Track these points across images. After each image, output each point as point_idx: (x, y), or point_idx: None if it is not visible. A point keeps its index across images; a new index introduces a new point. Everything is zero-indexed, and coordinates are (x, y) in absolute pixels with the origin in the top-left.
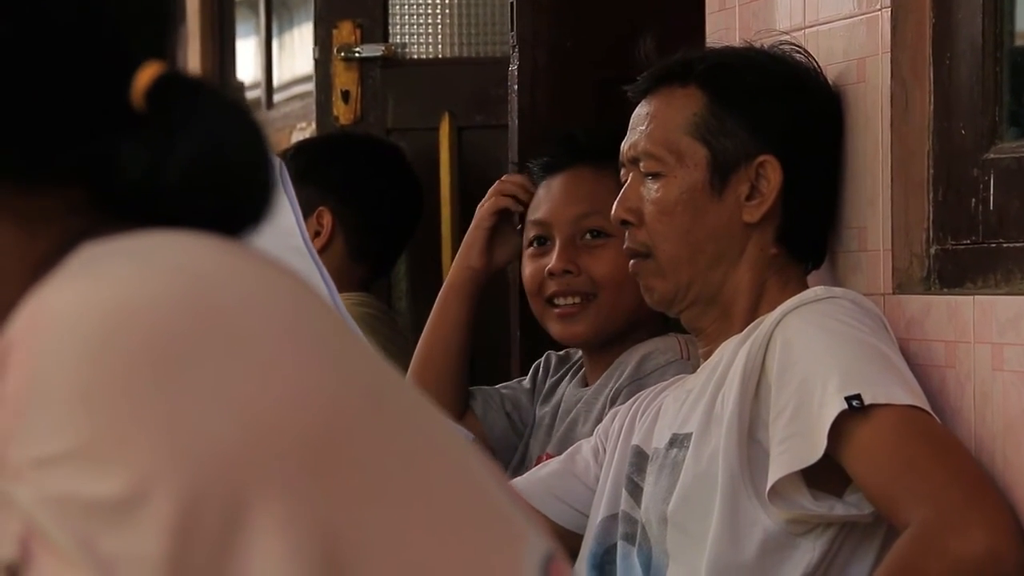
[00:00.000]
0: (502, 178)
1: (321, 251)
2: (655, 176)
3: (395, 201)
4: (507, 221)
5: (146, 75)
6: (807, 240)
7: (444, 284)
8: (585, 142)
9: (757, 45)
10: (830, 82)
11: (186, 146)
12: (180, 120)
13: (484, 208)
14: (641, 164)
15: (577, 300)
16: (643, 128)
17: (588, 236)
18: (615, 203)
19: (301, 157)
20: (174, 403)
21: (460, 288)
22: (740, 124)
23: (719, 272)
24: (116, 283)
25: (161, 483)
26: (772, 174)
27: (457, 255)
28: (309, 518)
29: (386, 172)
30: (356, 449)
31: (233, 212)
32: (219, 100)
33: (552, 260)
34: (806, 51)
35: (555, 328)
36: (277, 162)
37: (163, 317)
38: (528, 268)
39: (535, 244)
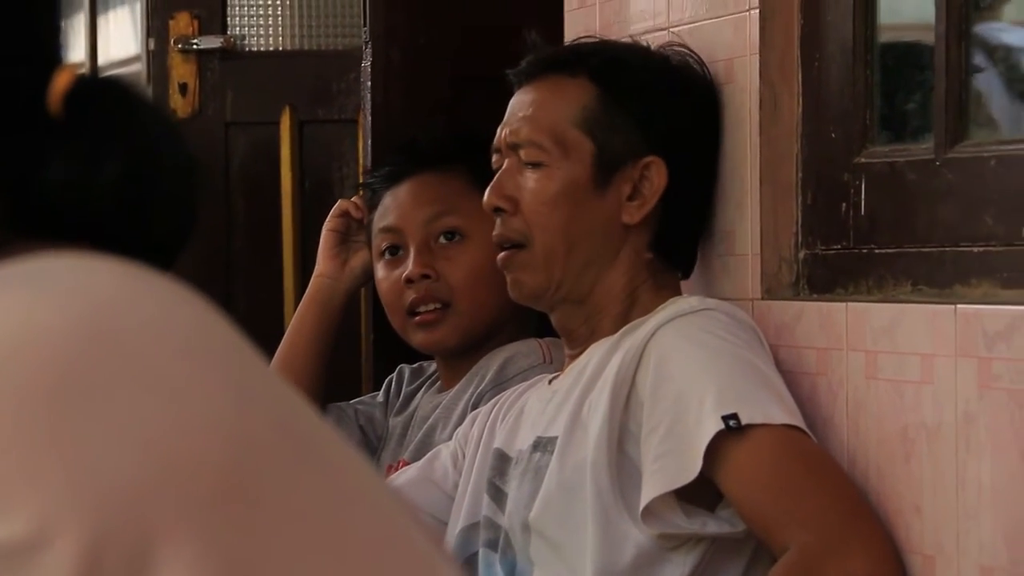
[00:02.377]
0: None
1: None
2: (536, 165)
3: None
4: (359, 234)
5: (63, 79)
6: (681, 246)
7: (304, 296)
8: (427, 148)
9: (642, 42)
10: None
11: (113, 158)
12: (105, 129)
13: (326, 225)
14: (522, 152)
15: (438, 306)
16: (527, 115)
17: (442, 239)
18: (488, 189)
19: None
20: (73, 438)
21: (312, 297)
22: (630, 122)
23: (592, 272)
24: (5, 311)
25: (63, 524)
26: (656, 176)
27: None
28: (218, 555)
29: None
30: (265, 480)
31: (165, 228)
32: (146, 107)
33: (408, 267)
34: (693, 52)
35: (417, 337)
36: None
37: (58, 346)
38: (384, 281)
39: (387, 254)
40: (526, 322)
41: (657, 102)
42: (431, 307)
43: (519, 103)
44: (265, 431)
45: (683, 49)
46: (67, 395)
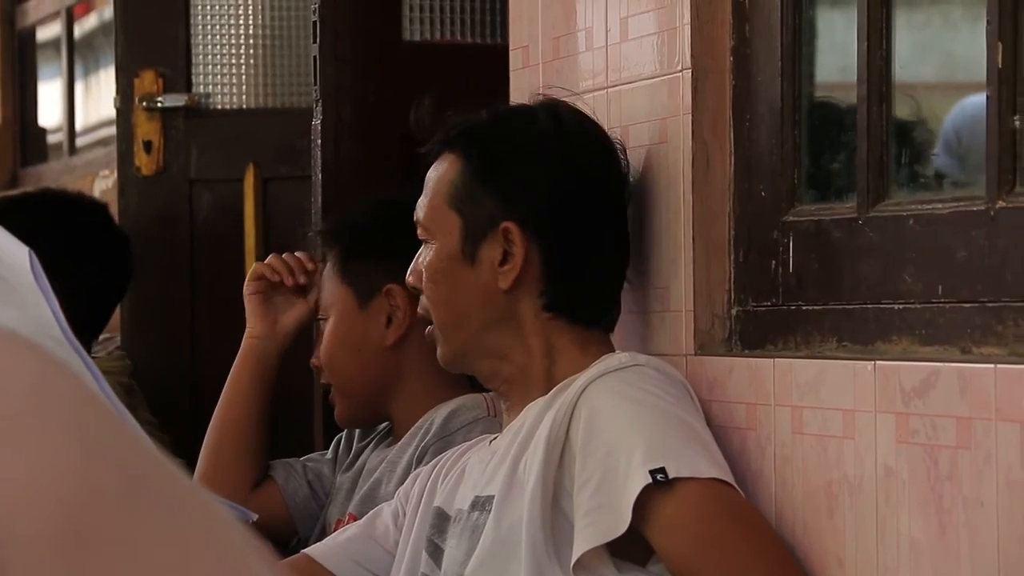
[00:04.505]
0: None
1: None
2: (426, 243)
3: (103, 259)
4: (299, 291)
5: None
6: (580, 303)
7: (238, 353)
8: (328, 228)
9: (533, 104)
10: (629, 142)
11: None
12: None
13: (249, 281)
14: (419, 230)
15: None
16: (423, 196)
17: (320, 322)
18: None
19: None
20: None
21: (245, 356)
22: (487, 192)
23: (494, 336)
24: None
25: None
26: (516, 240)
27: None
28: None
29: (90, 230)
30: (105, 528)
31: None
32: None
33: None
34: (574, 105)
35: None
36: (27, 251)
37: None
38: None
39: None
40: (461, 377)
41: (509, 170)
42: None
43: (425, 183)
44: (109, 480)
45: (562, 103)
46: None
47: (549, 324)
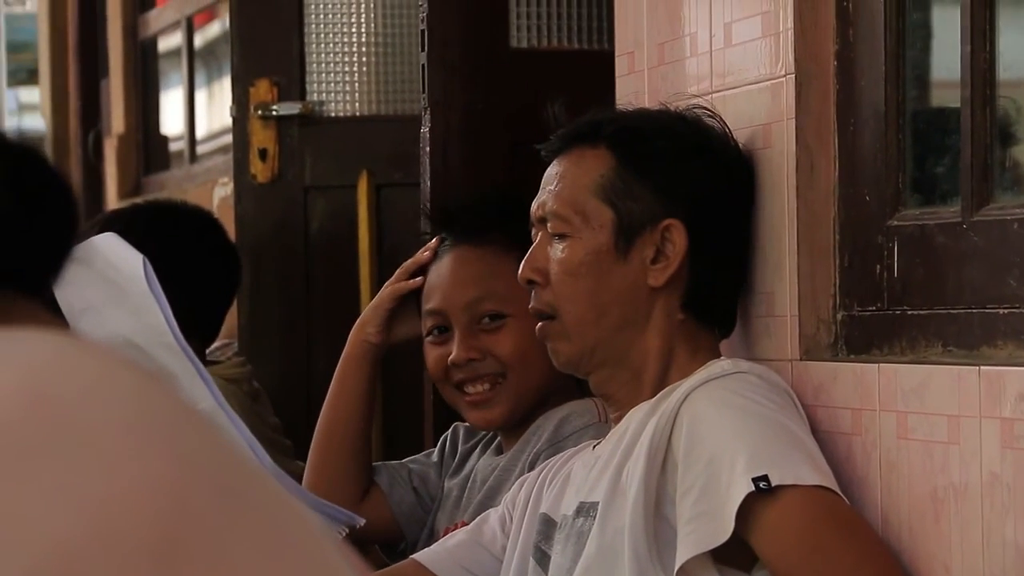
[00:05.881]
0: (412, 259)
1: None
2: (561, 237)
3: (213, 269)
4: (411, 299)
5: None
6: (714, 306)
7: (342, 355)
8: (462, 220)
9: (669, 107)
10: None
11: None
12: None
13: (388, 291)
14: (549, 224)
15: (487, 386)
16: (552, 188)
17: (486, 320)
18: (522, 263)
19: (111, 230)
20: (6, 498)
21: (357, 359)
22: (646, 187)
23: (625, 336)
24: None
25: None
26: (677, 238)
27: (354, 327)
28: None
29: (200, 240)
30: (203, 543)
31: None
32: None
33: (454, 349)
34: (717, 114)
35: (469, 416)
36: (141, 258)
37: None
38: (430, 356)
39: (435, 333)
40: (580, 382)
41: (672, 166)
42: (480, 388)
43: (547, 177)
44: (204, 495)
45: (705, 111)
46: (4, 457)
47: (679, 326)
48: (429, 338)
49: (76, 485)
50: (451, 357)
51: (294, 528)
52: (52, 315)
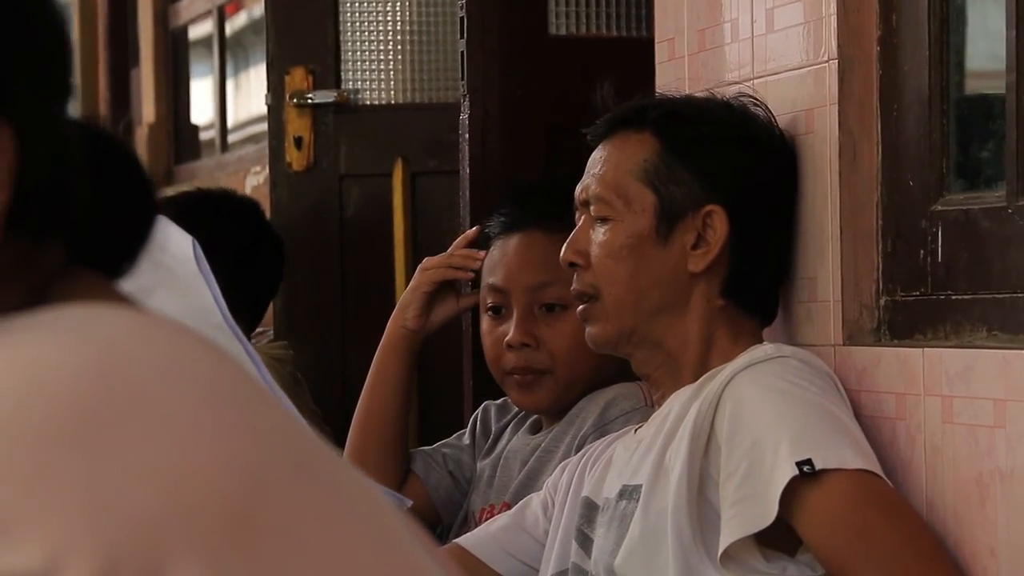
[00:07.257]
0: (455, 249)
1: None
2: (604, 220)
3: (259, 257)
4: (448, 285)
5: None
6: (754, 292)
7: (380, 343)
8: (538, 202)
9: (715, 94)
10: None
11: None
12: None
13: (427, 274)
14: (592, 208)
15: (534, 376)
16: (596, 172)
17: (545, 308)
18: (564, 245)
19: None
20: (88, 471)
21: (395, 347)
22: (689, 173)
23: (664, 320)
24: (22, 354)
25: (76, 552)
26: (718, 224)
27: (393, 314)
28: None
29: (247, 228)
30: (277, 517)
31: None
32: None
33: (511, 332)
34: (762, 102)
35: (514, 396)
36: (190, 240)
37: (74, 386)
38: (487, 336)
39: (492, 312)
40: (625, 370)
41: (716, 152)
42: (528, 375)
43: (592, 161)
44: (278, 470)
45: (750, 99)
46: (83, 432)
47: (719, 311)
48: (487, 315)
49: (155, 461)
50: (507, 339)
51: (364, 503)
52: (127, 297)
